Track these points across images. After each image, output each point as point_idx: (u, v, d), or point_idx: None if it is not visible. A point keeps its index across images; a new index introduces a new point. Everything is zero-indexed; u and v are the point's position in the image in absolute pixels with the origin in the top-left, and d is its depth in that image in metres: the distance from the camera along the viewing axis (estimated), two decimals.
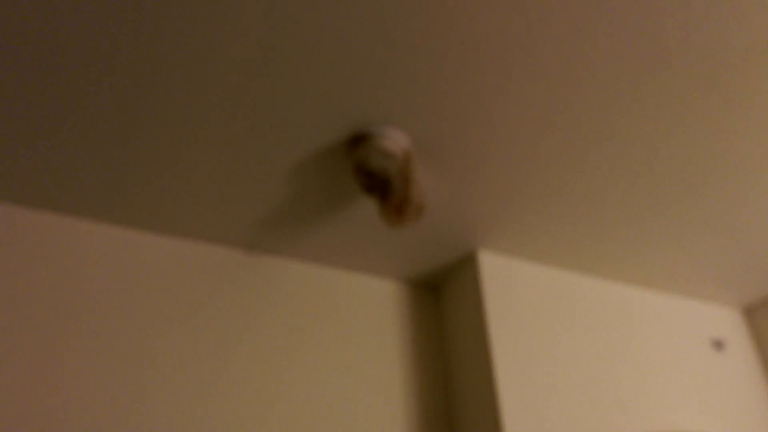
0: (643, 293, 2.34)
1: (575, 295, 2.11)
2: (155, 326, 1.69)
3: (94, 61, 1.21)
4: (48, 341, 1.54)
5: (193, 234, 1.85)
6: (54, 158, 1.49)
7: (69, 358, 1.54)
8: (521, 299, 1.96)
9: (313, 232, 1.88)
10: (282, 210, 1.75)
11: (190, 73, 1.26)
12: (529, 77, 1.31)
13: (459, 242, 1.96)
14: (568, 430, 1.74)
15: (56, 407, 1.47)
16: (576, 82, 1.32)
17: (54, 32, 1.14)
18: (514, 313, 1.91)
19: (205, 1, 1.09)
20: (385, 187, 1.48)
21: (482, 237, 1.93)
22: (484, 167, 1.59)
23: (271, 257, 2.00)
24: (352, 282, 2.11)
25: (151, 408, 1.57)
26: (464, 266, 2.07)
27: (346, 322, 1.99)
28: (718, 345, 2.34)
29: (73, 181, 1.58)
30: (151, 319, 1.69)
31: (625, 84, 1.33)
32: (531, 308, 1.96)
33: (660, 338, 2.21)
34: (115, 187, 1.61)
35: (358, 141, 1.45)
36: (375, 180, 1.46)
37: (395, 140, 1.45)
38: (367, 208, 1.76)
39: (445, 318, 2.15)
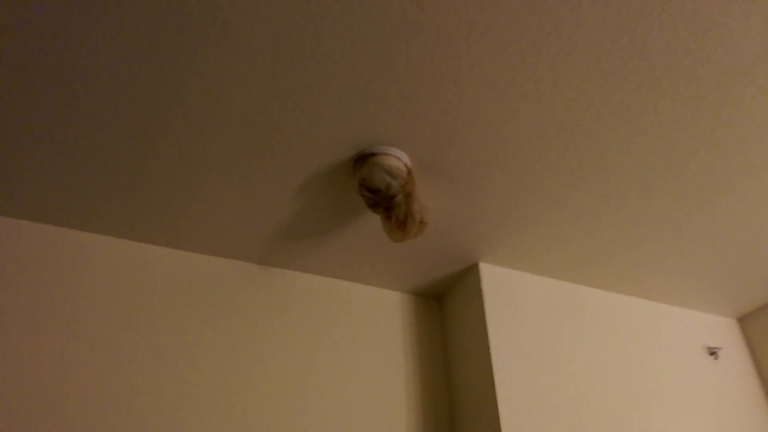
0: (640, 303, 2.39)
1: (573, 305, 2.17)
2: (172, 335, 1.75)
3: (111, 84, 1.29)
4: (68, 353, 1.60)
5: (207, 249, 1.92)
6: (75, 179, 1.56)
7: (83, 365, 1.60)
8: (520, 309, 2.02)
9: (322, 246, 1.94)
10: (292, 226, 1.81)
11: (204, 97, 1.33)
12: (524, 98, 1.37)
13: (461, 254, 2.03)
14: None
15: (68, 412, 1.53)
16: (569, 102, 1.39)
17: (70, 54, 1.22)
18: (514, 322, 1.96)
19: (217, 27, 1.17)
20: (388, 204, 1.54)
21: (483, 249, 2.00)
22: (484, 183, 1.66)
23: (282, 270, 2.06)
24: (359, 293, 2.17)
25: (165, 414, 1.62)
26: (466, 277, 2.13)
27: (354, 331, 2.05)
28: (713, 353, 2.39)
29: (93, 200, 1.65)
30: (168, 328, 1.75)
31: (615, 104, 1.40)
32: (530, 317, 2.02)
33: (656, 347, 2.27)
34: (132, 205, 1.68)
35: (363, 159, 1.51)
36: (379, 197, 1.52)
37: (398, 158, 1.51)
38: (373, 223, 1.82)
39: (448, 327, 2.21)
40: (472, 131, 1.47)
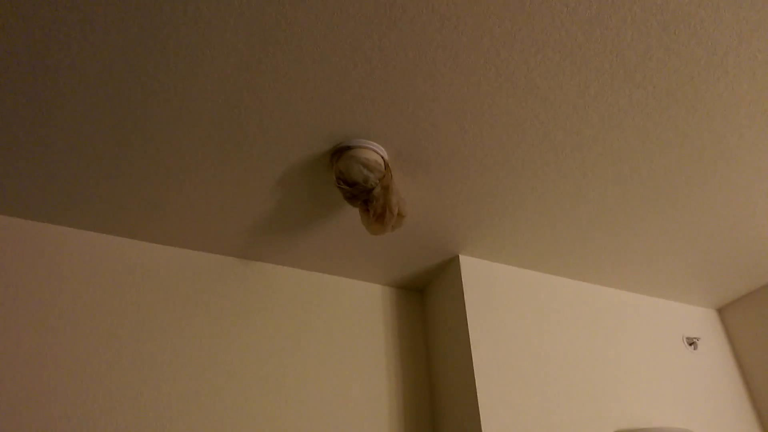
0: (619, 294, 2.42)
1: (552, 297, 2.19)
2: (151, 330, 1.74)
3: (83, 78, 1.27)
4: (47, 344, 1.59)
5: (187, 243, 1.92)
6: (50, 173, 1.55)
7: (67, 360, 1.59)
8: (500, 300, 2.03)
9: (302, 239, 1.94)
10: (271, 219, 1.81)
11: (177, 91, 1.32)
12: (499, 91, 1.38)
13: (441, 247, 2.04)
14: (543, 424, 1.81)
15: (54, 405, 1.52)
16: (543, 94, 1.40)
17: (47, 50, 1.21)
18: (494, 314, 1.98)
19: (189, 22, 1.16)
20: (366, 197, 1.54)
21: (463, 241, 2.01)
22: (461, 176, 1.66)
23: (263, 264, 2.06)
24: (341, 286, 2.17)
25: (147, 407, 1.62)
26: (447, 270, 2.14)
27: (336, 324, 2.06)
28: (692, 343, 2.42)
29: (70, 195, 1.64)
30: (147, 323, 1.75)
31: (590, 96, 1.41)
32: (510, 309, 2.03)
33: (635, 337, 2.29)
34: (110, 200, 1.67)
35: (340, 153, 1.51)
36: (357, 190, 1.53)
37: (375, 151, 1.51)
38: (353, 216, 1.83)
39: (429, 318, 2.22)
40: (448, 124, 1.47)
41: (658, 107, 1.47)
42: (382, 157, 1.53)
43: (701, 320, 2.58)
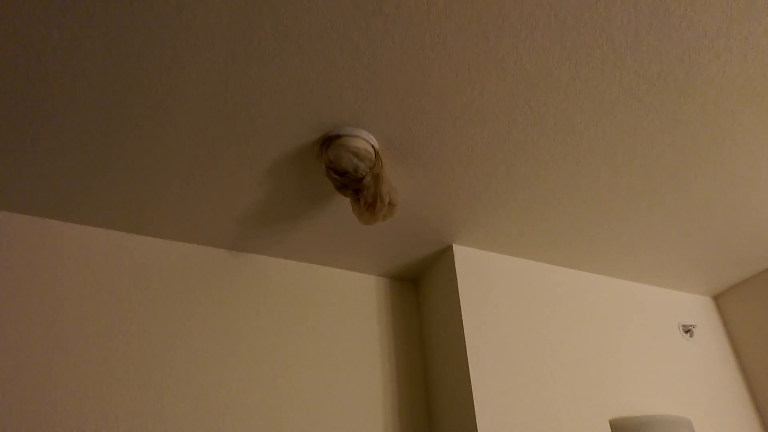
0: (614, 282, 2.41)
1: (547, 286, 2.18)
2: (141, 323, 1.73)
3: (69, 68, 1.26)
4: (40, 336, 1.58)
5: (177, 235, 1.91)
6: (36, 166, 1.54)
7: (59, 352, 1.59)
8: (495, 290, 2.03)
9: (294, 230, 1.93)
10: (262, 210, 1.80)
11: (163, 82, 1.30)
12: (489, 77, 1.37)
13: (435, 237, 2.02)
14: (537, 414, 1.80)
15: (50, 395, 1.52)
16: (534, 80, 1.38)
17: (29, 39, 1.19)
18: (488, 304, 1.97)
19: (173, 12, 1.14)
20: (357, 186, 1.53)
21: (457, 231, 2.00)
22: (453, 164, 1.65)
23: (255, 255, 2.05)
24: (334, 277, 2.16)
25: (139, 397, 1.61)
26: (441, 259, 2.13)
27: (330, 316, 2.05)
28: (688, 331, 2.41)
29: (58, 188, 1.63)
30: (139, 315, 1.74)
31: (580, 81, 1.40)
32: (504, 298, 2.02)
33: (631, 325, 2.29)
34: (99, 192, 1.66)
35: (329, 142, 1.50)
36: (347, 179, 1.51)
37: (365, 140, 1.50)
38: (345, 206, 1.81)
39: (423, 309, 2.21)
40: (438, 111, 1.46)
41: (650, 92, 1.45)
42: (372, 146, 1.52)
43: (697, 308, 2.57)
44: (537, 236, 2.07)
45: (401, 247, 2.08)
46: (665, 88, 1.44)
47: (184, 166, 1.58)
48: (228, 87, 1.33)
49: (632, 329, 2.27)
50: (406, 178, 1.70)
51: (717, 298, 2.65)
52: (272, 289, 2.01)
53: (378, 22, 1.20)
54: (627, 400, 2.03)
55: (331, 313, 2.06)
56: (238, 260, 2.00)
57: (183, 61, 1.26)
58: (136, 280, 1.81)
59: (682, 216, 2.01)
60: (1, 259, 1.66)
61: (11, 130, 1.41)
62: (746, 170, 1.79)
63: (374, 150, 1.52)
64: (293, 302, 2.02)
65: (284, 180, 1.67)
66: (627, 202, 1.91)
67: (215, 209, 1.78)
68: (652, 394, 2.11)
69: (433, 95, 1.40)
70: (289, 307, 2.00)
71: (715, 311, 2.62)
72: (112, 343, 1.67)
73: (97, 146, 1.48)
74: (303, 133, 1.50)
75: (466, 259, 2.05)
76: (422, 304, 2.24)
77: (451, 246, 2.07)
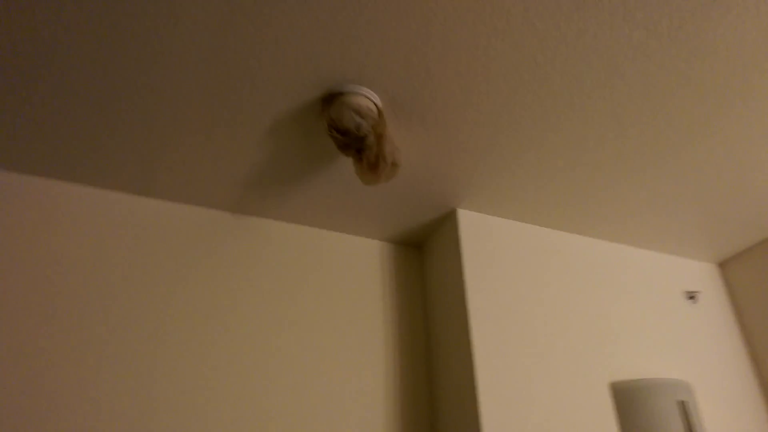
0: (619, 248, 2.40)
1: (551, 251, 2.17)
2: (144, 284, 1.74)
3: (67, 24, 1.23)
4: (35, 300, 1.59)
5: (179, 197, 1.90)
6: (33, 123, 1.52)
7: (59, 312, 1.59)
8: (499, 255, 2.02)
9: (296, 193, 1.91)
10: (263, 172, 1.78)
11: (161, 34, 1.28)
12: (494, 33, 1.33)
13: (439, 200, 2.01)
14: (539, 377, 1.81)
15: (46, 354, 1.53)
16: (541, 36, 1.35)
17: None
18: (492, 269, 1.96)
19: None
20: (359, 146, 1.51)
21: (461, 195, 1.98)
22: (458, 124, 1.63)
23: (258, 218, 2.04)
24: (337, 241, 2.16)
25: (138, 361, 1.62)
26: (445, 224, 2.12)
27: (333, 281, 2.05)
28: (692, 297, 2.40)
29: (61, 148, 1.61)
30: (140, 278, 1.74)
31: (588, 37, 1.36)
32: (507, 262, 2.01)
33: (635, 291, 2.28)
34: (95, 150, 1.64)
35: (331, 99, 1.47)
36: (349, 138, 1.49)
37: (368, 98, 1.47)
38: (347, 168, 1.79)
39: (427, 275, 2.21)
40: (442, 69, 1.43)
41: (659, 48, 1.41)
42: (375, 105, 1.49)
43: (702, 274, 2.56)
44: (542, 200, 2.05)
45: (404, 212, 2.07)
46: (675, 44, 1.40)
47: (183, 126, 1.56)
48: (227, 42, 1.31)
49: (636, 295, 2.26)
50: (409, 139, 1.68)
51: (722, 266, 2.64)
52: (275, 253, 2.00)
53: None
54: (628, 363, 2.03)
55: (333, 277, 2.06)
56: (239, 223, 2.00)
57: (180, 13, 1.23)
58: (136, 241, 1.80)
59: (689, 179, 1.99)
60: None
61: (6, 84, 1.39)
62: (756, 134, 1.76)
63: (377, 109, 1.49)
64: (296, 266, 2.01)
65: (286, 140, 1.65)
66: (634, 165, 1.88)
67: (216, 170, 1.76)
68: (653, 358, 2.11)
69: (437, 52, 1.37)
70: (292, 271, 2.00)
71: (720, 278, 2.60)
72: (111, 304, 1.68)
73: (100, 107, 1.47)
74: (304, 91, 1.47)
75: (470, 223, 2.04)
76: (426, 270, 2.23)
77: (455, 210, 2.05)
